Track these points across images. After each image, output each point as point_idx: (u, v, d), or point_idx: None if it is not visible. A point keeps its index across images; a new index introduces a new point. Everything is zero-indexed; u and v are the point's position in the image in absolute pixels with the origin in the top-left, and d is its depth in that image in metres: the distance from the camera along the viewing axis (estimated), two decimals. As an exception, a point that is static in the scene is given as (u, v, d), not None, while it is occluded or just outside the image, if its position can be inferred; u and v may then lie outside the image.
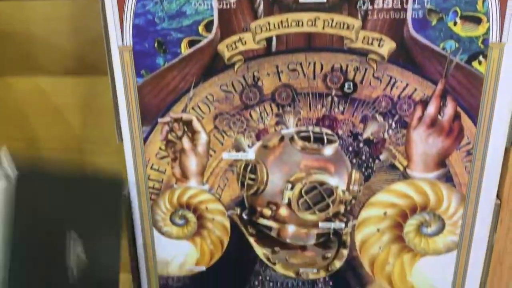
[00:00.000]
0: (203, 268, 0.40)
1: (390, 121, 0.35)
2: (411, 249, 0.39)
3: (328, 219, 0.38)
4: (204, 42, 0.33)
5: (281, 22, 0.33)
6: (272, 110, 0.35)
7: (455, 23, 0.32)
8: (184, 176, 0.37)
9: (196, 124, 0.36)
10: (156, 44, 0.33)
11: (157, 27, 0.33)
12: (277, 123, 0.36)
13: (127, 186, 0.38)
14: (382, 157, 0.36)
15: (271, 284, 0.41)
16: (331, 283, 0.40)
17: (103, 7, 0.33)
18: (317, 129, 0.35)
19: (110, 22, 0.33)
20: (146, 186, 0.38)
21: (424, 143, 0.35)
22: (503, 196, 0.38)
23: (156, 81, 0.35)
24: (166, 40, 0.33)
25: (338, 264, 0.40)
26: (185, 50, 0.33)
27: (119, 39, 0.33)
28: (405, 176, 0.36)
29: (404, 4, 0.31)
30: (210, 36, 0.33)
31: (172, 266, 0.40)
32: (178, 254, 0.40)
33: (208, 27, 0.33)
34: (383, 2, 0.31)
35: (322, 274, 0.40)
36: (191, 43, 0.33)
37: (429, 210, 0.37)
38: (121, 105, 0.35)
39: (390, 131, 0.35)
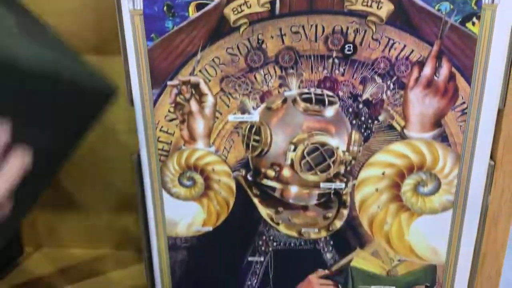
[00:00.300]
0: (209, 228, 0.42)
1: (388, 82, 0.36)
2: (409, 208, 0.40)
3: (329, 180, 0.40)
4: (211, 5, 0.35)
5: (284, -14, 0.34)
6: (275, 72, 0.37)
7: (450, -14, 0.33)
8: (192, 138, 0.39)
9: (203, 87, 0.38)
10: (165, 8, 0.35)
11: (166, -9, 0.35)
12: (280, 85, 0.37)
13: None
14: (380, 118, 0.38)
15: (274, 244, 0.43)
16: (332, 242, 0.42)
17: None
18: (318, 91, 0.37)
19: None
20: (156, 148, 0.40)
21: (420, 103, 0.37)
22: (497, 157, 0.39)
23: (165, 44, 0.36)
24: (174, 3, 0.35)
25: (338, 223, 0.42)
26: (192, 13, 0.35)
27: (130, 3, 0.35)
28: (402, 137, 0.38)
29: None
30: None
31: (180, 227, 0.42)
32: (186, 215, 0.42)
33: (215, -9, 0.35)
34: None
35: (323, 233, 0.42)
36: (198, 7, 0.35)
37: (426, 169, 0.39)
38: (132, 69, 0.37)
39: (389, 92, 0.37)
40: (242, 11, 0.35)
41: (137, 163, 0.41)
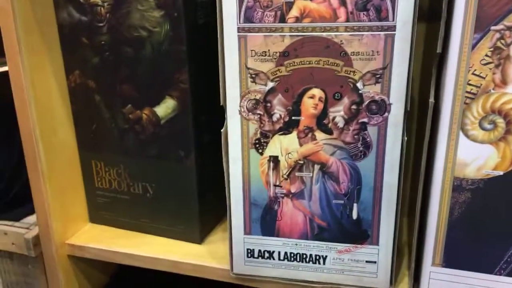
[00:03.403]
0: (500, 173, 0.44)
1: None
2: None
3: None
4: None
5: None
6: None
7: None
8: (504, 82, 0.41)
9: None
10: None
11: None
12: None
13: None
14: None
15: None
16: None
17: None
18: None
19: None
20: (464, 91, 0.43)
21: None
22: None
23: (498, -10, 0.39)
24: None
25: None
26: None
27: (473, -49, 0.38)
28: None
29: None
30: None
31: (470, 168, 0.45)
32: (479, 157, 0.44)
33: None
34: None
35: None
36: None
37: None
38: (457, 13, 0.40)
39: None
40: None
41: (432, 107, 0.44)
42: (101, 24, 0.56)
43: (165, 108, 0.57)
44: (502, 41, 0.40)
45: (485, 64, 0.41)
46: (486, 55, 0.41)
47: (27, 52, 0.55)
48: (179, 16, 0.52)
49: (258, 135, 0.51)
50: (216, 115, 0.54)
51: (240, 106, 0.50)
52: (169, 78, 0.55)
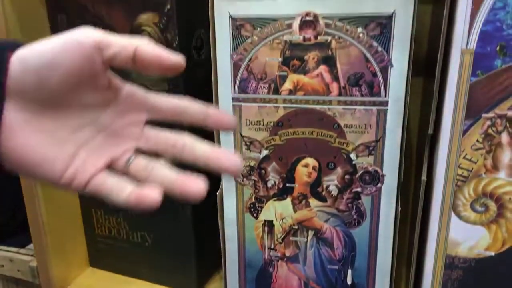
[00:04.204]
0: (492, 253, 0.44)
1: None
2: None
3: None
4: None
5: None
6: None
7: None
8: (495, 167, 0.41)
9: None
10: (498, 48, 0.38)
11: (503, 32, 0.37)
12: None
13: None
14: None
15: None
16: None
17: (451, 13, 0.38)
18: None
19: (459, 26, 0.38)
20: (455, 173, 0.42)
21: None
22: None
23: (490, 80, 0.39)
24: (509, 44, 0.37)
25: None
26: (527, 53, 0.37)
27: (464, 42, 0.38)
28: None
29: None
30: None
31: (462, 248, 0.45)
32: (471, 237, 0.44)
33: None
34: None
35: None
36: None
37: None
38: (449, 100, 0.40)
39: None
40: None
41: (425, 185, 0.44)
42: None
43: (163, 165, 0.57)
44: (493, 128, 0.40)
45: (476, 150, 0.41)
46: (477, 141, 0.41)
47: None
48: (178, 78, 0.52)
49: (253, 200, 0.51)
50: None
51: (234, 171, 0.51)
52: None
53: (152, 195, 0.28)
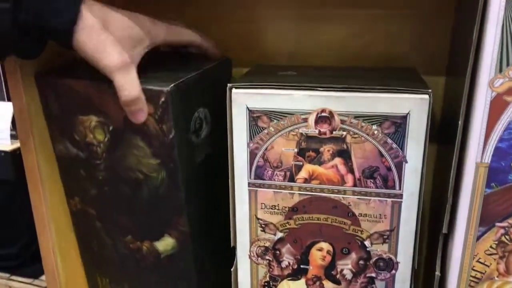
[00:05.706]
0: None
1: None
2: None
3: None
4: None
5: None
6: None
7: None
8: (508, 272, 0.42)
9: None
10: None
11: (518, 150, 0.37)
12: None
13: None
14: None
15: None
16: None
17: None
18: None
19: (473, 142, 0.38)
20: (468, 275, 0.43)
21: None
22: None
23: (503, 193, 0.39)
24: (524, 161, 0.38)
25: None
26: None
27: (479, 157, 0.38)
28: None
29: None
30: None
31: None
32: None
33: None
34: None
35: None
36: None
37: None
38: (463, 208, 0.41)
39: None
40: None
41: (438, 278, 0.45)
42: (98, 162, 0.53)
43: (165, 245, 0.56)
44: (507, 236, 0.40)
45: (489, 255, 0.41)
46: (491, 247, 0.41)
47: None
48: (175, 167, 0.49)
49: (267, 278, 0.52)
50: (219, 247, 0.55)
51: (250, 251, 0.52)
52: (167, 220, 0.53)
53: None
